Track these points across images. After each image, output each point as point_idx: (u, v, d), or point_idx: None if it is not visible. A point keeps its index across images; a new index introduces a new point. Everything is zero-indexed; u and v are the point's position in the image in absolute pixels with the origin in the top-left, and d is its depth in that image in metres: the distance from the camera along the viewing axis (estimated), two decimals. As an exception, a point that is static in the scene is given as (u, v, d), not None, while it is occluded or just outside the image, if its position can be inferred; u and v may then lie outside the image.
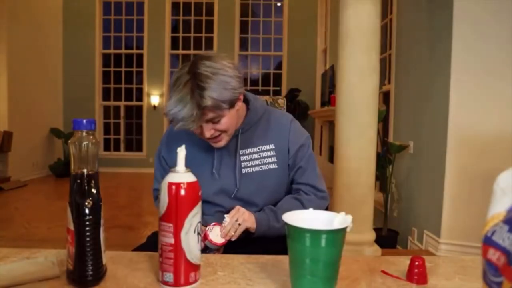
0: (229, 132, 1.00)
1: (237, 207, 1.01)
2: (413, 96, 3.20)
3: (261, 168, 1.07)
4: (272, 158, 1.07)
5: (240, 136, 1.07)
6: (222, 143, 1.01)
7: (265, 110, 1.12)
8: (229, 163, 1.07)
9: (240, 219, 0.98)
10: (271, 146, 1.08)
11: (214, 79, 0.90)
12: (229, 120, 0.97)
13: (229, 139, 1.03)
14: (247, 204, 1.05)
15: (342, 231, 0.59)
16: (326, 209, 1.04)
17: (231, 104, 0.95)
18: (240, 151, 1.07)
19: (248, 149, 1.07)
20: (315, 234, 0.58)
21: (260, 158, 1.07)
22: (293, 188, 1.12)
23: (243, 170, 1.06)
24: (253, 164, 1.07)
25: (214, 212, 1.08)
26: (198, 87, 0.89)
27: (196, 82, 0.90)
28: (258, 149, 1.07)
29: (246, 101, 1.09)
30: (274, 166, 1.07)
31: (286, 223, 0.60)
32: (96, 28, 7.73)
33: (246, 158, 1.07)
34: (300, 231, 0.58)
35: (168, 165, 1.12)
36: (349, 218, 0.61)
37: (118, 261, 0.75)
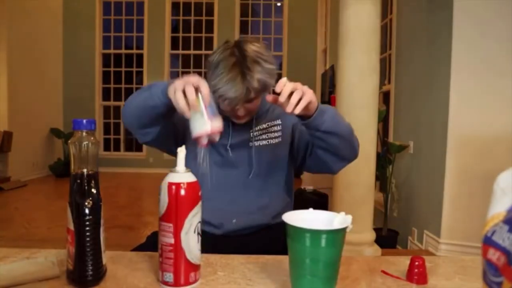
0: (254, 112, 1.07)
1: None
2: (413, 96, 3.20)
3: (268, 142, 1.10)
4: (278, 132, 1.11)
5: (255, 117, 1.11)
6: (244, 119, 1.06)
7: None
8: (243, 141, 1.10)
9: (299, 87, 0.84)
10: (279, 122, 1.12)
11: (262, 65, 0.96)
12: (259, 102, 1.05)
13: (252, 117, 1.08)
14: (264, 181, 1.08)
15: (342, 231, 0.59)
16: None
17: (269, 89, 1.02)
18: (255, 127, 1.11)
19: (259, 126, 1.11)
20: (315, 234, 0.58)
21: (267, 133, 1.11)
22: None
23: (250, 144, 1.09)
24: (260, 138, 1.10)
25: (227, 203, 1.08)
26: (248, 69, 0.95)
27: (246, 64, 0.95)
28: (267, 125, 1.11)
29: None
30: (279, 140, 1.11)
31: (286, 223, 0.60)
32: (96, 28, 7.73)
33: (256, 133, 1.10)
34: (300, 231, 0.58)
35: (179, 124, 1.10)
36: (349, 218, 0.61)
37: (118, 261, 0.75)
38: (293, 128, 1.12)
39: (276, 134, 1.11)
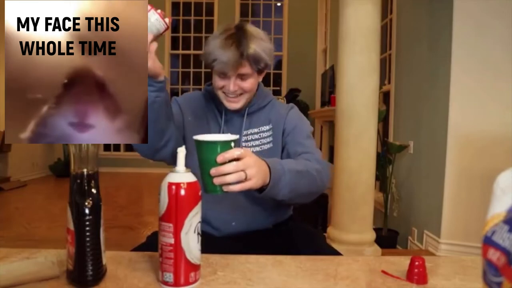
0: (247, 95, 1.07)
1: (246, 150, 0.77)
2: (413, 96, 3.20)
3: (260, 148, 1.10)
4: (269, 138, 1.11)
5: (246, 116, 1.12)
6: (238, 104, 1.06)
7: (272, 98, 1.18)
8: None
9: (249, 171, 0.75)
10: (270, 126, 1.12)
11: (259, 40, 1.01)
12: (253, 84, 1.06)
13: (245, 103, 1.08)
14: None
15: (231, 141, 0.74)
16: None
17: (262, 68, 1.05)
18: (244, 131, 1.10)
19: (250, 130, 1.11)
20: (225, 144, 0.73)
21: (260, 139, 1.11)
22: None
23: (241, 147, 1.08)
24: (253, 145, 1.10)
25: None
26: (245, 38, 0.99)
27: (243, 34, 1.00)
28: (259, 129, 1.11)
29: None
30: (270, 145, 1.10)
31: (197, 141, 0.73)
32: (96, 28, 7.73)
33: (247, 138, 1.10)
34: (212, 144, 0.73)
35: (182, 112, 1.12)
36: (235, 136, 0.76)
37: (118, 261, 0.75)
38: (283, 133, 1.12)
39: (267, 140, 1.11)
